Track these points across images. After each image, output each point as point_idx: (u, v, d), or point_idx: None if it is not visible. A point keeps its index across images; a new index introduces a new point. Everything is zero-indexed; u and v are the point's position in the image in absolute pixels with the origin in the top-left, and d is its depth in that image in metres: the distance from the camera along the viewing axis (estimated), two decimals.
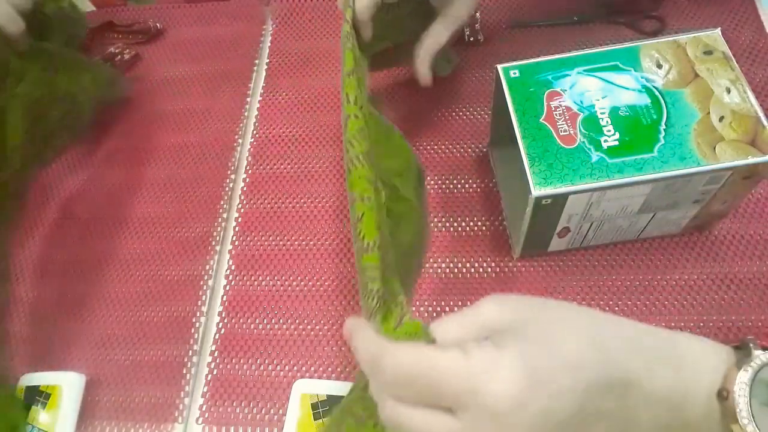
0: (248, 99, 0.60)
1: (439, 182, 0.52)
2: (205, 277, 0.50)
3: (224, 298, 0.49)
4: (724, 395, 0.25)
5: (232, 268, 0.51)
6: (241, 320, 0.48)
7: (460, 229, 0.50)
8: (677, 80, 0.39)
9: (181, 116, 0.60)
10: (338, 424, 0.35)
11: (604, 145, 0.38)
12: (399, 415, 0.26)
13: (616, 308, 0.45)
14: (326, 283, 0.49)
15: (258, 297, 0.49)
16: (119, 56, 0.64)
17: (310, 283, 0.49)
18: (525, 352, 0.25)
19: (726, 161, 0.36)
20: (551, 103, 0.40)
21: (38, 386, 0.45)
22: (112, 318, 0.50)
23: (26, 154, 0.50)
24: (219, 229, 0.53)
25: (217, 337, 0.48)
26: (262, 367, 0.46)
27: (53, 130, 0.53)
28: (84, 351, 0.48)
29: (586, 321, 0.27)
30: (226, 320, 0.48)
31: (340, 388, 0.43)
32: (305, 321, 0.47)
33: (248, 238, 0.52)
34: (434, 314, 0.46)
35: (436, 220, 0.50)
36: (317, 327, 0.47)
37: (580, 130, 0.38)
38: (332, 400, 0.42)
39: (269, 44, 0.64)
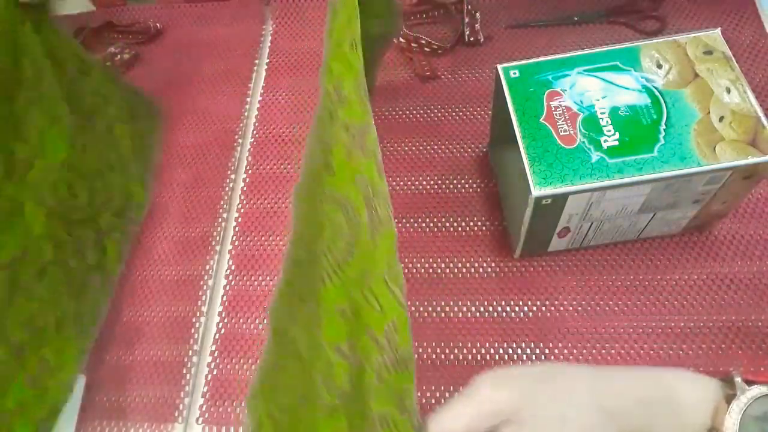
0: (248, 99, 0.60)
1: (439, 182, 0.52)
2: (205, 277, 0.50)
3: (224, 298, 0.49)
4: None
5: (232, 268, 0.51)
6: (241, 320, 0.48)
7: (460, 229, 0.50)
8: (677, 80, 0.39)
9: (181, 116, 0.60)
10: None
11: (604, 145, 0.38)
12: None
13: (616, 308, 0.45)
14: None
15: (258, 297, 0.49)
16: (119, 56, 0.64)
17: None
18: None
19: (726, 161, 0.36)
20: (551, 103, 0.40)
21: None
22: (112, 318, 0.50)
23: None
24: (219, 229, 0.53)
25: (217, 337, 0.48)
26: None
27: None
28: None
29: (585, 386, 0.27)
30: (226, 320, 0.48)
31: None
32: None
33: (248, 238, 0.52)
34: (434, 314, 0.46)
35: (435, 220, 0.50)
36: None
37: (580, 130, 0.38)
38: None
39: (269, 44, 0.64)
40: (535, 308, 0.45)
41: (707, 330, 0.43)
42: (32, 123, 0.44)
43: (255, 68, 0.62)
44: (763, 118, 0.37)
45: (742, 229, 0.47)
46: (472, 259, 0.48)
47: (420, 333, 0.46)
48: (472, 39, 0.59)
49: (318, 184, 0.35)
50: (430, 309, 0.47)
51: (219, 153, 0.57)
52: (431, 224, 0.50)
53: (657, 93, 0.39)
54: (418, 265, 0.48)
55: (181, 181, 0.56)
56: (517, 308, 0.46)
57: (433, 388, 0.43)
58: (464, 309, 0.46)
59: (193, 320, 0.48)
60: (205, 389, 0.46)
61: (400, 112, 0.57)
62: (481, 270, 0.48)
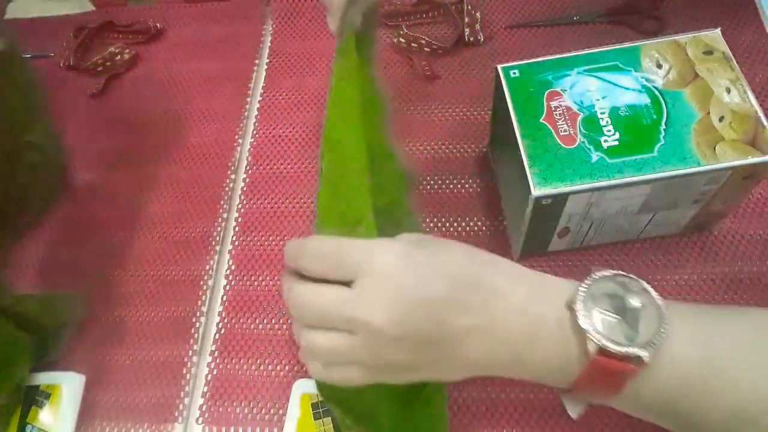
0: (248, 99, 0.60)
1: (439, 182, 0.52)
2: (205, 277, 0.50)
3: (224, 298, 0.49)
4: (572, 308, 0.29)
5: (232, 268, 0.51)
6: (241, 320, 0.48)
7: (460, 229, 0.50)
8: (677, 80, 0.39)
9: (180, 116, 0.60)
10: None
11: (604, 145, 0.38)
12: (299, 290, 0.31)
13: None
14: None
15: (258, 297, 0.49)
16: (119, 56, 0.64)
17: None
18: (414, 244, 0.30)
19: (726, 161, 0.36)
20: (551, 103, 0.40)
21: (38, 386, 0.45)
22: (112, 318, 0.50)
23: None
24: (219, 229, 0.53)
25: (217, 337, 0.48)
26: (262, 367, 0.46)
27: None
28: (84, 351, 0.48)
29: (468, 248, 0.32)
30: (226, 320, 0.48)
31: None
32: None
33: (248, 238, 0.52)
34: None
35: (435, 220, 0.50)
36: None
37: (580, 130, 0.38)
38: None
39: (269, 44, 0.64)
40: None
41: None
42: None
43: (255, 68, 0.62)
44: (763, 118, 0.37)
45: (742, 229, 0.47)
46: None
47: None
48: (472, 39, 0.59)
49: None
50: None
51: (219, 153, 0.57)
52: (431, 224, 0.50)
53: (657, 93, 0.39)
54: None
55: (181, 181, 0.56)
56: None
57: None
58: None
59: (193, 320, 0.48)
60: (205, 389, 0.46)
61: (400, 112, 0.57)
62: None
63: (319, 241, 0.31)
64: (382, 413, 0.36)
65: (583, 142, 0.38)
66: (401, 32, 0.60)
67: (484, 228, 0.49)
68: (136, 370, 0.47)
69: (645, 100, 0.39)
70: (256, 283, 0.50)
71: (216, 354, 0.47)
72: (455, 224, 0.50)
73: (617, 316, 0.29)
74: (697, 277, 0.45)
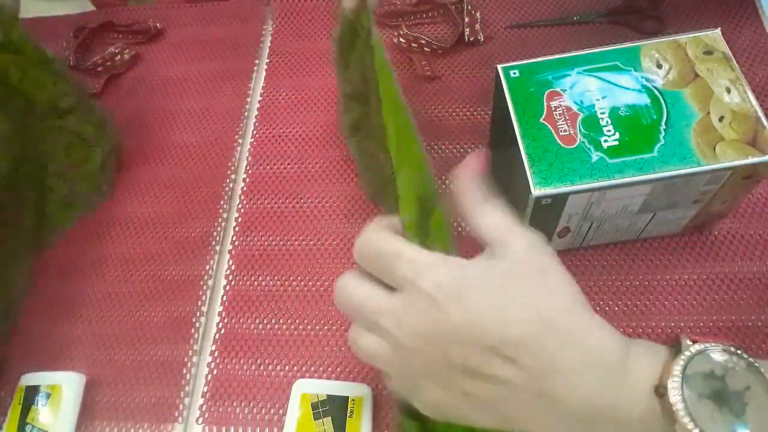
0: (248, 99, 0.60)
1: (439, 182, 0.52)
2: (205, 277, 0.50)
3: (224, 298, 0.49)
4: (660, 392, 0.25)
5: (232, 268, 0.51)
6: (241, 320, 0.48)
7: (460, 229, 0.50)
8: (677, 80, 0.39)
9: (181, 116, 0.60)
10: None
11: (604, 145, 0.38)
12: (349, 284, 0.30)
13: (616, 308, 0.45)
14: (326, 283, 0.49)
15: (258, 297, 0.49)
16: (119, 56, 0.64)
17: (310, 283, 0.49)
18: (488, 270, 0.28)
19: (726, 161, 0.36)
20: (551, 103, 0.40)
21: (38, 386, 0.45)
22: (112, 318, 0.50)
23: None
24: (219, 229, 0.53)
25: (217, 337, 0.48)
26: (262, 367, 0.46)
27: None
28: (84, 351, 0.48)
29: (551, 303, 0.27)
30: (226, 320, 0.48)
31: (340, 388, 0.43)
32: (305, 321, 0.47)
33: (248, 238, 0.52)
34: None
35: None
36: (317, 327, 0.47)
37: (580, 130, 0.38)
38: (332, 400, 0.42)
39: (269, 44, 0.64)
40: None
41: (707, 330, 0.43)
42: None
43: (255, 68, 0.62)
44: (763, 118, 0.37)
45: (742, 229, 0.47)
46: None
47: None
48: (472, 39, 0.59)
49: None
50: None
51: (219, 153, 0.57)
52: None
53: (657, 93, 0.39)
54: None
55: (181, 181, 0.56)
56: None
57: None
58: None
59: (193, 320, 0.48)
60: (205, 389, 0.46)
61: None
62: None
63: (380, 242, 0.30)
64: None
65: (583, 142, 0.38)
66: (401, 32, 0.60)
67: None
68: (136, 370, 0.47)
69: (645, 100, 0.39)
70: (256, 283, 0.50)
71: (216, 354, 0.47)
72: (455, 224, 0.50)
73: (717, 402, 0.24)
74: (697, 277, 0.45)
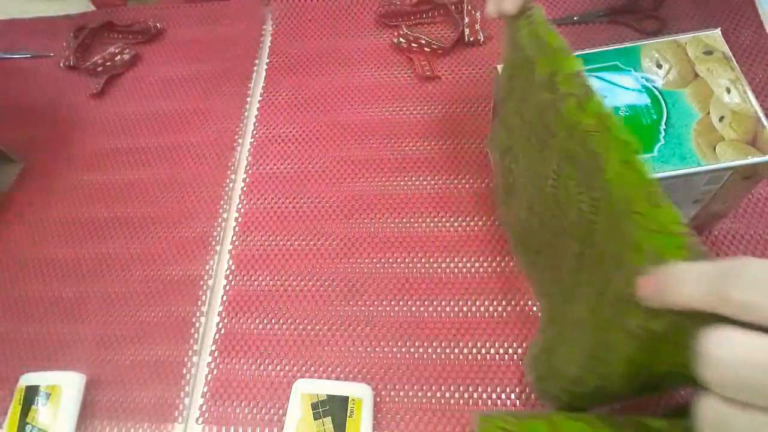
0: (248, 99, 0.60)
1: (439, 182, 0.52)
2: (205, 277, 0.50)
3: (224, 298, 0.49)
4: None
5: (232, 268, 0.51)
6: (241, 320, 0.48)
7: (460, 229, 0.50)
8: (677, 80, 0.39)
9: (181, 116, 0.60)
10: None
11: None
12: (733, 341, 0.19)
13: None
14: (326, 283, 0.49)
15: (258, 297, 0.49)
16: (119, 56, 0.64)
17: (310, 283, 0.49)
18: None
19: (726, 161, 0.36)
20: None
21: (38, 386, 0.45)
22: (112, 318, 0.50)
23: None
24: (219, 229, 0.53)
25: (217, 337, 0.48)
26: (262, 367, 0.46)
27: None
28: (84, 351, 0.48)
29: None
30: (226, 320, 0.48)
31: (340, 388, 0.43)
32: (305, 321, 0.47)
33: (248, 238, 0.52)
34: (434, 314, 0.46)
35: (436, 220, 0.50)
36: (317, 327, 0.47)
37: None
38: (332, 400, 0.42)
39: (269, 44, 0.64)
40: (535, 308, 0.45)
41: None
42: None
43: (255, 68, 0.62)
44: (763, 118, 0.37)
45: (742, 229, 0.47)
46: (472, 259, 0.48)
47: (418, 332, 0.46)
48: (472, 39, 0.59)
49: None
50: (430, 309, 0.47)
51: (219, 153, 0.57)
52: (431, 224, 0.50)
53: (657, 93, 0.39)
54: (419, 265, 0.48)
55: (181, 181, 0.56)
56: (517, 308, 0.46)
57: (433, 387, 0.43)
58: (464, 309, 0.46)
59: (193, 320, 0.48)
60: (205, 389, 0.46)
61: (400, 112, 0.57)
62: (481, 270, 0.48)
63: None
64: None
65: None
66: (401, 32, 0.60)
67: (484, 228, 0.50)
68: (136, 370, 0.47)
69: (645, 100, 0.39)
70: (256, 283, 0.50)
71: (216, 354, 0.47)
72: (455, 224, 0.50)
73: None
74: None
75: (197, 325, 0.48)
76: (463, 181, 0.52)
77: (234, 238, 0.52)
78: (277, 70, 0.62)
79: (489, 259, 0.48)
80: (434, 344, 0.45)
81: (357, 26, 0.64)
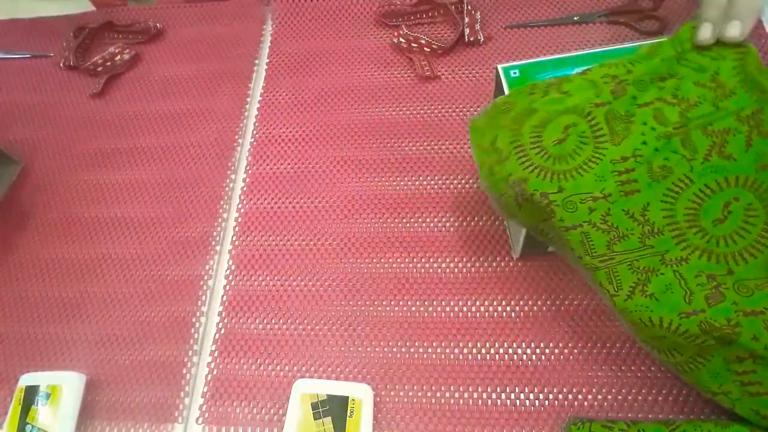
0: (248, 99, 0.60)
1: (439, 182, 0.52)
2: (205, 277, 0.50)
3: (224, 298, 0.49)
4: None
5: (232, 268, 0.51)
6: (241, 320, 0.48)
7: (460, 229, 0.50)
8: None
9: (181, 116, 0.60)
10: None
11: None
12: None
13: None
14: (326, 283, 0.49)
15: (258, 297, 0.49)
16: (119, 56, 0.64)
17: (310, 283, 0.49)
18: None
19: None
20: None
21: (38, 386, 0.45)
22: (112, 318, 0.50)
23: None
24: (219, 229, 0.53)
25: (217, 337, 0.48)
26: (262, 367, 0.46)
27: None
28: (84, 351, 0.48)
29: None
30: (226, 320, 0.48)
31: (340, 388, 0.43)
32: (305, 321, 0.47)
33: (248, 238, 0.52)
34: (433, 314, 0.46)
35: (436, 220, 0.50)
36: (317, 327, 0.47)
37: None
38: (332, 400, 0.42)
39: (269, 44, 0.64)
40: (535, 308, 0.45)
41: None
42: None
43: (255, 68, 0.62)
44: None
45: None
46: (472, 259, 0.48)
47: (419, 332, 0.46)
48: (472, 39, 0.59)
49: None
50: (430, 309, 0.47)
51: (219, 153, 0.57)
52: (431, 224, 0.50)
53: None
54: (419, 265, 0.48)
55: (181, 181, 0.56)
56: (517, 308, 0.46)
57: (433, 387, 0.43)
58: (464, 309, 0.46)
59: (193, 320, 0.48)
60: (205, 389, 0.46)
61: (400, 112, 0.57)
62: (481, 270, 0.48)
63: None
64: None
65: None
66: (401, 32, 0.60)
67: (484, 228, 0.50)
68: (136, 370, 0.47)
69: None
70: (256, 283, 0.50)
71: (216, 354, 0.47)
72: (455, 224, 0.50)
73: None
74: None
75: (197, 325, 0.48)
76: (463, 181, 0.52)
77: (234, 238, 0.52)
78: (277, 70, 0.62)
79: (489, 259, 0.48)
80: (434, 344, 0.45)
81: (357, 26, 0.64)
